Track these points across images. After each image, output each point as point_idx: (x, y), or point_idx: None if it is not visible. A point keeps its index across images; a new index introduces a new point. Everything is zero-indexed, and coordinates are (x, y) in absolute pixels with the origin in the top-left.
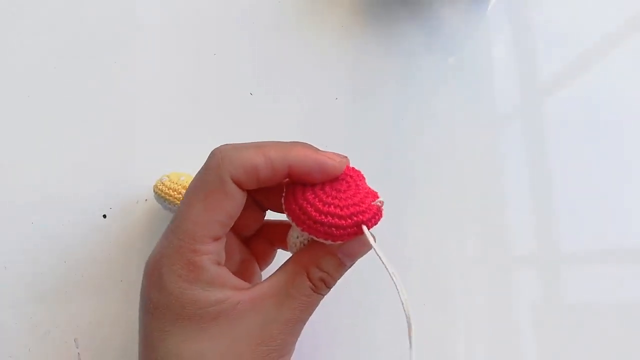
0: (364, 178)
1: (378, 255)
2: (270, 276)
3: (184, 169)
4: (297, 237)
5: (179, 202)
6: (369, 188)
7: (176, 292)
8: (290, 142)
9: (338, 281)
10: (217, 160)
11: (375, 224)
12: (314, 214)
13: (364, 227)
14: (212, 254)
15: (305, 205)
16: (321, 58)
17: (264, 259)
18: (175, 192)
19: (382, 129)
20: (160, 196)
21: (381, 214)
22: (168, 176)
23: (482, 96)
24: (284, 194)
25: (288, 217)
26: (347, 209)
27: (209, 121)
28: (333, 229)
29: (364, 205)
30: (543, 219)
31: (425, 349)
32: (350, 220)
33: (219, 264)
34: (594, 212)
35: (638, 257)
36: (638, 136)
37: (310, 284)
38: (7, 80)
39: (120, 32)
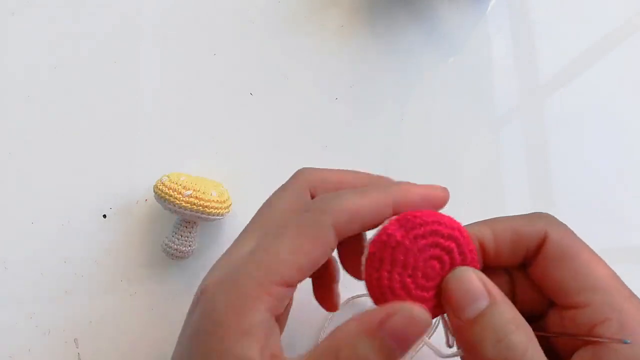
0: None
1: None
2: (313, 352)
3: (184, 169)
4: None
5: (179, 202)
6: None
7: (225, 325)
8: (388, 181)
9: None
10: (321, 206)
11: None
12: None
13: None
14: (274, 301)
15: (396, 287)
16: (321, 58)
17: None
18: (175, 192)
19: (382, 129)
20: (160, 196)
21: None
22: (168, 176)
23: (482, 96)
24: (365, 259)
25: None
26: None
27: (209, 121)
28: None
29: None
30: None
31: (425, 348)
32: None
33: (276, 312)
34: (593, 212)
35: (638, 257)
36: (638, 136)
37: None
38: (7, 80)
39: (121, 32)
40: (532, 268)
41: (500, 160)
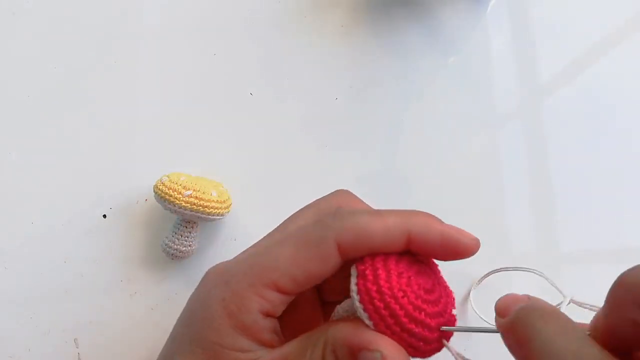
0: (439, 270)
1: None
2: (296, 339)
3: (184, 169)
4: (345, 312)
5: (179, 202)
6: (446, 284)
7: (217, 315)
8: (411, 210)
9: None
10: (329, 220)
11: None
12: (403, 319)
13: (445, 343)
14: (268, 304)
15: (394, 305)
16: (321, 58)
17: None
18: (176, 192)
19: (382, 129)
20: (161, 196)
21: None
22: (168, 176)
23: (482, 96)
24: (356, 276)
25: (357, 306)
26: (436, 317)
27: (209, 121)
28: (421, 342)
29: (446, 313)
30: (543, 219)
31: None
32: (436, 334)
33: (267, 314)
34: (593, 212)
35: (638, 257)
36: (638, 136)
37: None
38: (7, 80)
39: (121, 32)
40: None
41: (500, 160)
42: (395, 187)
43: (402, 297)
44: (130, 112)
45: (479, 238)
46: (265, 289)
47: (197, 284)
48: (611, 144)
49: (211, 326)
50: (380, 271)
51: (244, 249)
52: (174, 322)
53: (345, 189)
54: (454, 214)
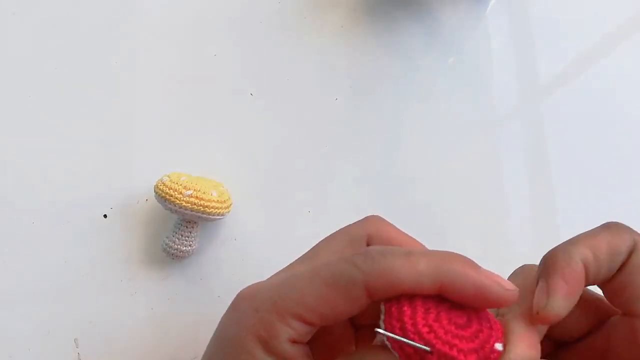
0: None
1: None
2: None
3: (184, 169)
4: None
5: (179, 202)
6: (490, 317)
7: (248, 340)
8: (444, 251)
9: None
10: (359, 261)
11: None
12: (430, 357)
13: None
14: (294, 333)
15: (418, 341)
16: (321, 58)
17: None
18: (176, 192)
19: (382, 129)
20: (161, 196)
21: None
22: (168, 176)
23: (482, 96)
24: (383, 313)
25: (386, 343)
26: (471, 354)
27: (209, 121)
28: None
29: (487, 348)
30: (543, 219)
31: None
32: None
33: (295, 342)
34: (593, 212)
35: None
36: (638, 136)
37: None
38: (8, 80)
39: (121, 32)
40: (611, 281)
41: (500, 160)
42: (395, 187)
43: (428, 332)
44: (130, 112)
45: (509, 285)
46: (292, 319)
47: (197, 284)
48: (611, 144)
49: (244, 349)
50: (405, 307)
51: (277, 271)
52: (174, 322)
53: (377, 215)
54: (454, 214)
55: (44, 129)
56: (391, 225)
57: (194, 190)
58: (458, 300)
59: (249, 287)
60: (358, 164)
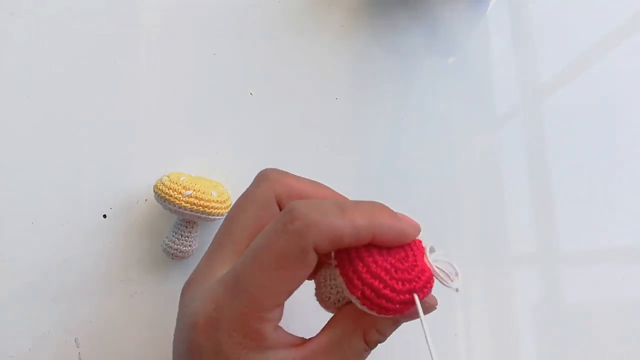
0: (423, 249)
1: (423, 328)
2: (323, 332)
3: (184, 169)
4: (332, 289)
5: (179, 202)
6: (422, 260)
7: (233, 358)
8: (369, 203)
9: None
10: (300, 228)
11: (426, 295)
12: (377, 285)
13: (417, 301)
14: (275, 321)
15: (370, 279)
16: (321, 58)
17: None
18: (175, 192)
19: (382, 129)
20: (160, 196)
21: (431, 287)
22: (168, 176)
23: (482, 96)
24: (334, 253)
25: (339, 278)
26: (407, 283)
27: (209, 121)
28: (394, 304)
29: (420, 280)
30: (543, 219)
31: (424, 349)
32: (408, 296)
33: (277, 327)
34: (593, 212)
35: (638, 257)
36: (638, 136)
37: (365, 345)
38: (7, 80)
39: (121, 32)
40: None
41: (500, 160)
42: (395, 186)
43: (375, 268)
44: (130, 112)
45: (419, 224)
46: (266, 314)
47: None
48: (611, 144)
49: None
50: (356, 259)
51: (199, 264)
52: (174, 322)
53: (271, 168)
54: (454, 214)
55: (43, 129)
56: (291, 175)
57: (194, 190)
58: (383, 245)
59: (188, 309)
60: (358, 163)
